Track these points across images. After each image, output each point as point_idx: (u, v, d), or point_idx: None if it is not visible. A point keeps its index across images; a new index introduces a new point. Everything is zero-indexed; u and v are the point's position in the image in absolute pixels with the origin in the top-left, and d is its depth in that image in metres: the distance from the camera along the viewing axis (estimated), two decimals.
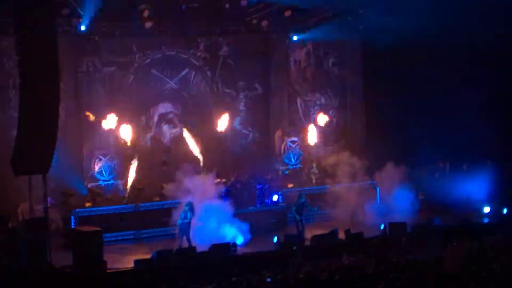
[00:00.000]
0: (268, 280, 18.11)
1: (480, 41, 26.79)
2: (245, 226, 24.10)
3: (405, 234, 23.71)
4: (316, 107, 30.93)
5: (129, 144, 26.65)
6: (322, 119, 30.16)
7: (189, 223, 22.99)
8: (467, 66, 28.31)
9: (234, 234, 23.74)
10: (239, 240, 23.62)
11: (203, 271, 20.14)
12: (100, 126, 26.78)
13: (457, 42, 27.05)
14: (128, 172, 26.11)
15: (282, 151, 29.83)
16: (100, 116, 26.71)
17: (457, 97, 28.55)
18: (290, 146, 29.92)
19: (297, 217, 24.57)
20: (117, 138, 26.97)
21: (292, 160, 29.77)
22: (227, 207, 24.22)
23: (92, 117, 26.73)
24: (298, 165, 29.69)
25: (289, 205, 26.12)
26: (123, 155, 26.91)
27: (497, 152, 28.36)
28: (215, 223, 23.69)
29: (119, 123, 26.60)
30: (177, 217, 23.09)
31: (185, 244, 22.79)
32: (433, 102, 29.11)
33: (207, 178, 24.73)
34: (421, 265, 18.37)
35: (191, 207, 23.07)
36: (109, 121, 26.56)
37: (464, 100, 28.28)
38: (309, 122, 30.29)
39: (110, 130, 26.85)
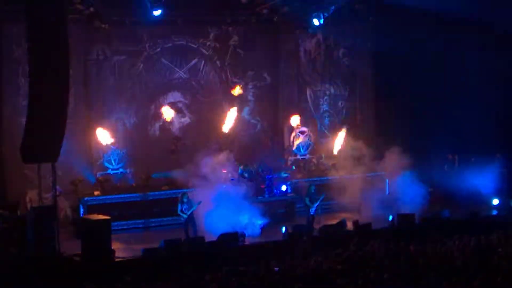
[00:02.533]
0: (276, 270, 18.11)
1: (492, 30, 26.77)
2: (261, 210, 24.14)
3: (412, 225, 23.75)
4: (325, 97, 30.84)
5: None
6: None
7: (192, 213, 23.01)
8: (479, 56, 28.21)
9: (253, 217, 23.77)
10: (259, 222, 23.67)
11: (211, 261, 20.15)
12: (107, 114, 27.00)
13: (469, 32, 27.03)
14: None
15: (291, 142, 29.75)
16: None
17: (466, 89, 28.48)
18: (299, 136, 29.78)
19: (311, 207, 24.55)
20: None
21: (301, 150, 29.65)
22: (243, 190, 24.25)
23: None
24: (307, 156, 29.57)
25: (298, 195, 26.13)
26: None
27: (506, 145, 28.28)
28: (232, 207, 23.64)
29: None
30: (181, 211, 23.06)
31: (192, 235, 22.81)
32: (443, 94, 29.03)
33: (225, 158, 24.83)
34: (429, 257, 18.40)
35: (188, 197, 23.08)
36: None
37: (474, 91, 28.22)
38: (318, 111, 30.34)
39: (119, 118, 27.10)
